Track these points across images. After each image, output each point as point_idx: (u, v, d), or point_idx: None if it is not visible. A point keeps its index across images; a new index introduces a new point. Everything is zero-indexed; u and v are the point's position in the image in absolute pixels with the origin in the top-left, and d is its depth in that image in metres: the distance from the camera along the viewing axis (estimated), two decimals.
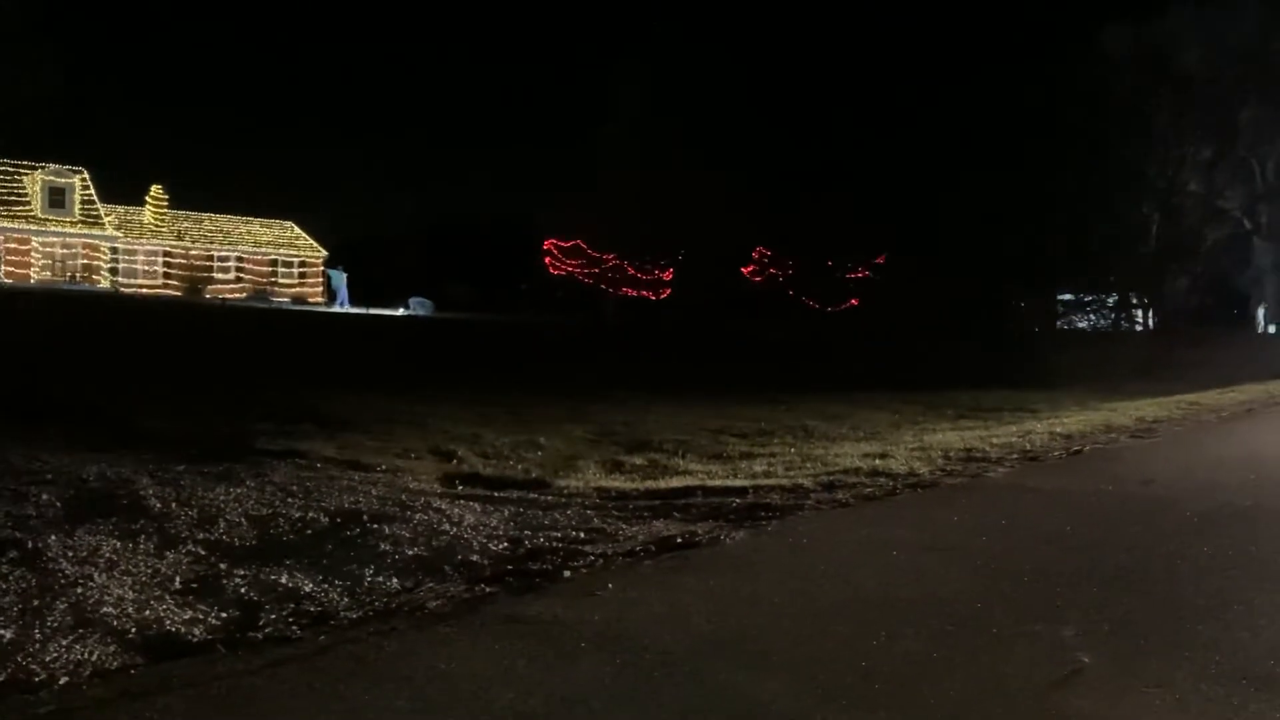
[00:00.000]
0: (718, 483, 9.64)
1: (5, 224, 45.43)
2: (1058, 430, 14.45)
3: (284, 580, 5.79)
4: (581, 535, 7.14)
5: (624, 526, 7.47)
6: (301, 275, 54.08)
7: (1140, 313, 55.95)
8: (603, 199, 52.55)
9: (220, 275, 51.61)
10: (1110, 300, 57.63)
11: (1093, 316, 59.42)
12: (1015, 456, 11.77)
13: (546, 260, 59.17)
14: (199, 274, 50.84)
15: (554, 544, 6.85)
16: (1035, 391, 23.55)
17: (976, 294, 48.60)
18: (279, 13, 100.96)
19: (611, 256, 58.65)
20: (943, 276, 47.81)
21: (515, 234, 61.65)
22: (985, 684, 4.28)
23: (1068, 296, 58.99)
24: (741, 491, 9.01)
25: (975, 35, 57.49)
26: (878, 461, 10.84)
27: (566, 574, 6.06)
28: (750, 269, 60.04)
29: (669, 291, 59.07)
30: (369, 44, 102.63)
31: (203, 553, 6.31)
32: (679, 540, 6.96)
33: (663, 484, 9.64)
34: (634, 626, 4.96)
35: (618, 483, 9.72)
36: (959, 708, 4.04)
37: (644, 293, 59.97)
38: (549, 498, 8.72)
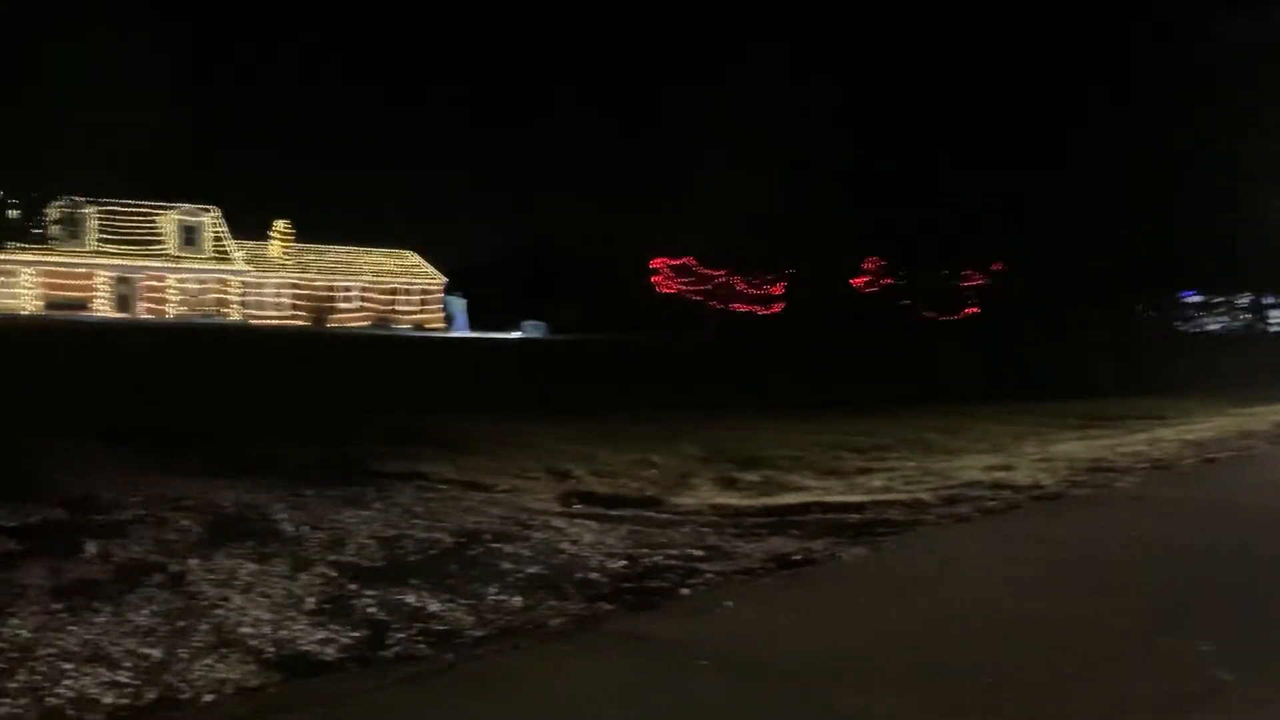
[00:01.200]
0: (834, 498, 9.56)
1: (144, 262, 47.84)
2: (1189, 438, 13.91)
3: (411, 600, 5.96)
4: (698, 553, 7.17)
5: (740, 544, 7.47)
6: (422, 302, 55.52)
7: (1276, 313, 53.35)
8: (711, 215, 52.57)
9: (344, 304, 53.34)
10: (1242, 301, 55.07)
11: (1225, 318, 56.89)
12: (1144, 466, 11.37)
13: (656, 279, 59.46)
14: (324, 304, 52.62)
15: (670, 562, 6.89)
16: (1164, 398, 22.69)
17: (1101, 298, 46.98)
18: (385, 49, 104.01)
19: (721, 272, 58.63)
20: (1064, 280, 46.37)
21: (627, 254, 62.17)
22: (1117, 702, 4.17)
23: (1196, 298, 56.61)
24: (859, 507, 8.92)
25: (1098, 25, 55.60)
26: (1000, 474, 10.60)
27: (684, 592, 6.10)
28: (862, 280, 59.31)
29: (780, 306, 58.72)
30: (476, 72, 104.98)
31: (333, 574, 6.53)
32: (796, 557, 6.93)
33: (778, 500, 9.59)
34: (752, 644, 4.97)
35: (732, 500, 9.72)
36: None
37: (754, 308, 59.77)
38: (664, 515, 8.77)
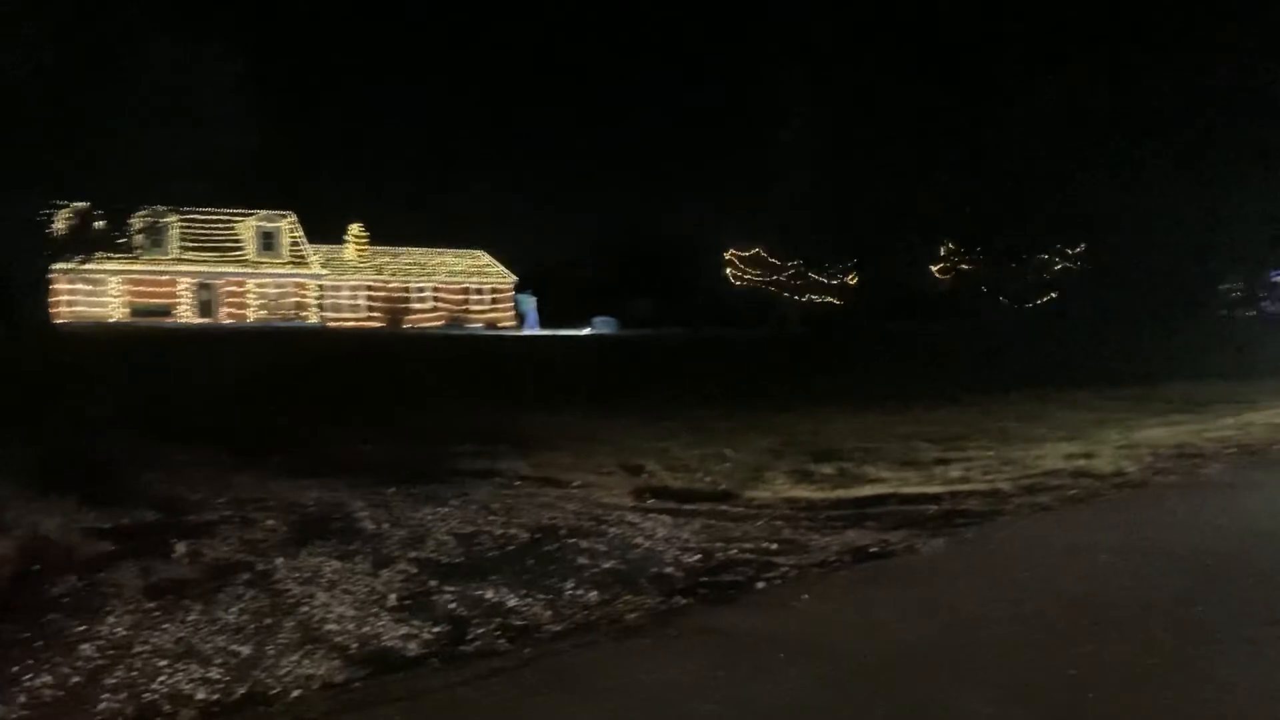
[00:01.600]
0: (911, 490, 9.46)
1: (224, 269, 49.09)
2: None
3: (489, 595, 6.05)
4: (773, 546, 7.15)
5: (816, 537, 7.44)
6: (493, 301, 56.15)
7: None
8: (781, 206, 52.21)
9: (418, 305, 54.18)
10: None
11: None
12: (1232, 451, 11.06)
13: (728, 271, 59.26)
14: (398, 305, 53.50)
15: (746, 556, 6.89)
16: (1255, 382, 22.00)
17: (1185, 278, 45.53)
18: (451, 50, 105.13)
19: (794, 263, 58.23)
20: (1147, 261, 45.04)
21: (694, 247, 62.07)
22: (1209, 694, 4.07)
23: None
24: (936, 498, 8.82)
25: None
26: (1082, 462, 10.40)
27: (760, 585, 6.10)
28: (939, 267, 58.44)
29: (854, 296, 58.13)
30: (541, 69, 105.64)
31: (414, 571, 6.65)
32: (873, 550, 6.88)
33: (853, 493, 9.52)
34: (830, 638, 4.96)
35: (807, 492, 9.67)
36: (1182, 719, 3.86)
37: (828, 298, 59.25)
38: (738, 509, 8.76)
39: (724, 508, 8.88)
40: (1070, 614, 5.22)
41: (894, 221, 50.26)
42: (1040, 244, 54.82)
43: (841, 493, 9.61)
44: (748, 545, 7.21)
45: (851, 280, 58.44)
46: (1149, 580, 5.81)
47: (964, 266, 57.49)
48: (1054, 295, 55.42)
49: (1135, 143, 44.01)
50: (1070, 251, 55.23)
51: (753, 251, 58.37)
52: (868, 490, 9.63)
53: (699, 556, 6.93)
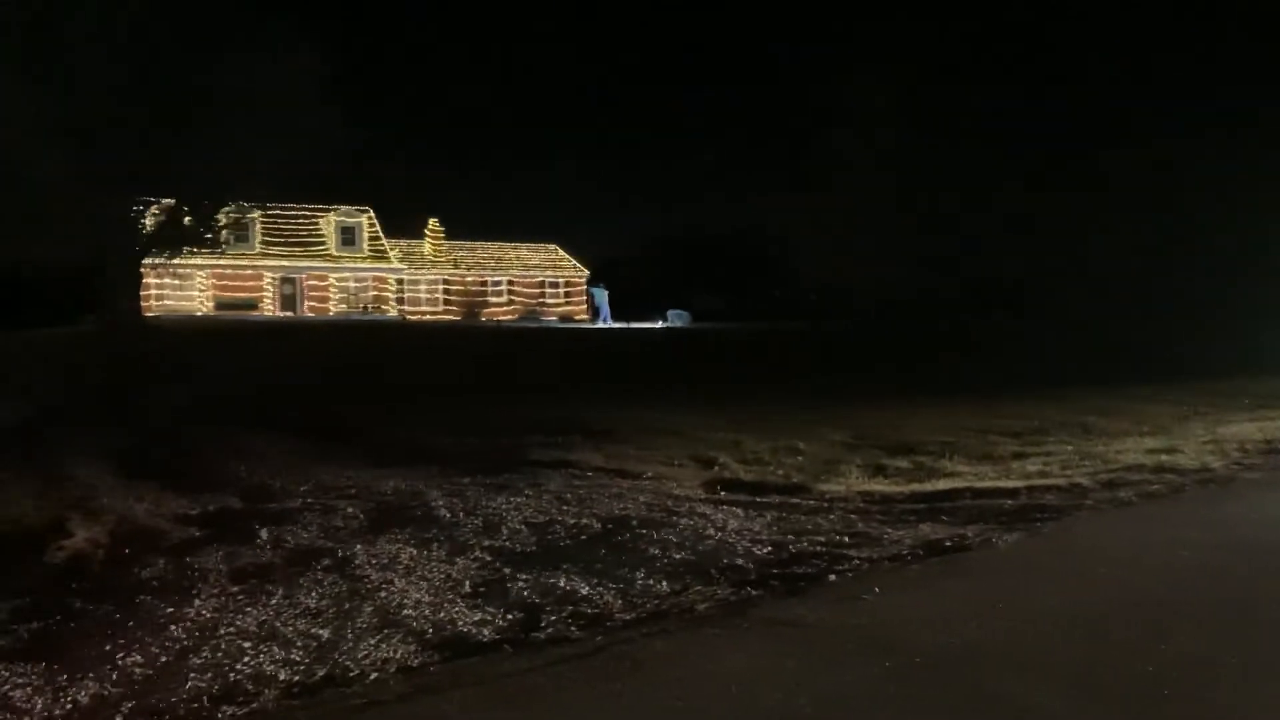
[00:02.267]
0: (988, 484, 9.34)
1: (306, 263, 50.11)
2: None
3: (562, 583, 6.12)
4: (845, 539, 7.13)
5: (889, 530, 7.39)
6: (567, 295, 56.51)
7: None
8: (857, 198, 51.60)
9: (494, 298, 54.75)
10: None
11: None
12: None
13: (802, 264, 58.75)
14: (475, 298, 54.10)
15: (817, 548, 6.87)
16: None
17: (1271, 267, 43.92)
18: (527, 47, 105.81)
19: (868, 256, 57.49)
20: (1230, 252, 43.58)
21: (768, 240, 61.69)
22: None
23: None
24: (1014, 493, 8.70)
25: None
26: (1164, 457, 10.16)
27: (831, 578, 6.08)
28: (1016, 258, 57.18)
29: (930, 288, 57.22)
30: (610, 64, 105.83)
31: (488, 558, 6.76)
32: (947, 543, 6.82)
33: (928, 486, 9.43)
34: (900, 630, 4.93)
35: (881, 486, 9.60)
36: (1260, 717, 3.77)
37: (903, 291, 58.37)
38: (811, 502, 8.73)
39: (796, 500, 8.86)
40: (1149, 610, 5.13)
41: (966, 212, 49.35)
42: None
43: (916, 487, 9.52)
44: (820, 538, 7.19)
45: (928, 273, 57.56)
46: (1231, 578, 5.68)
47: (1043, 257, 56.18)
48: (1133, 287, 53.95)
49: (1230, 132, 42.68)
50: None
51: (826, 243, 57.79)
52: (943, 484, 9.53)
53: (770, 549, 6.93)
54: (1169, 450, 10.58)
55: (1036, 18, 47.97)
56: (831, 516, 8.00)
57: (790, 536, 7.25)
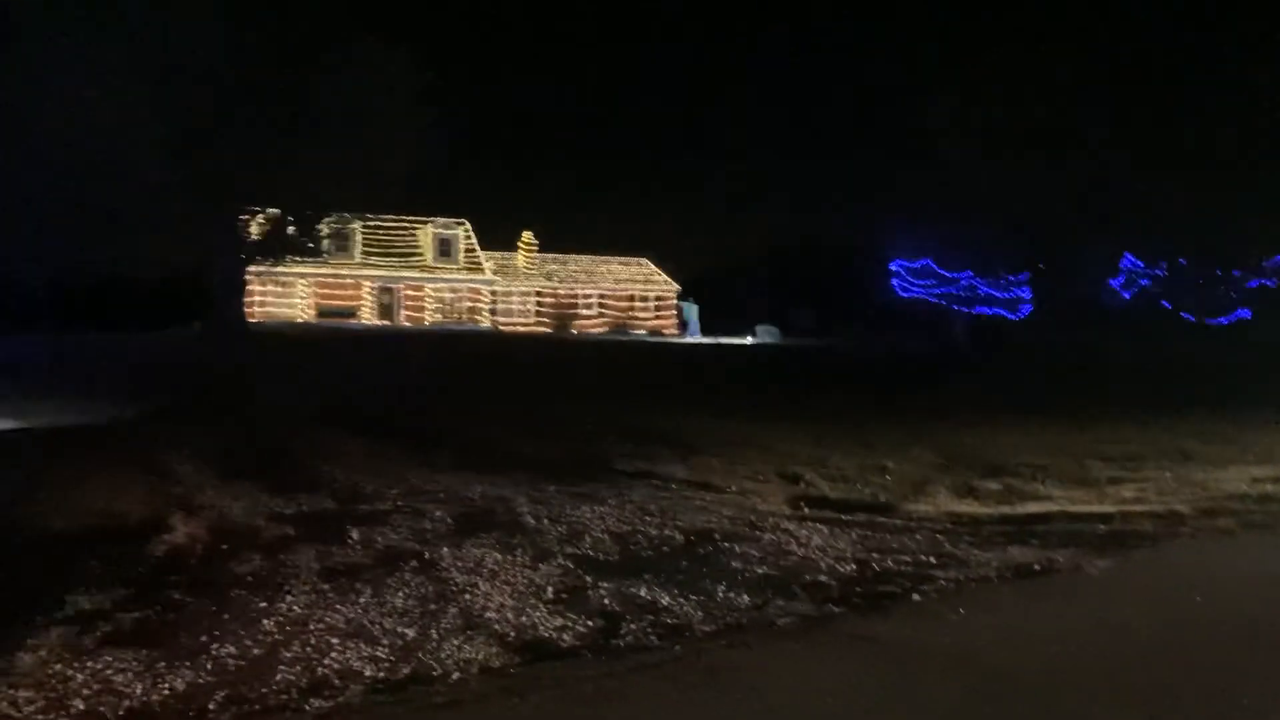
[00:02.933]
0: (1080, 508, 9.12)
1: (404, 273, 51.17)
2: None
3: (643, 593, 6.16)
4: (931, 560, 7.03)
5: (976, 552, 7.27)
6: (657, 309, 56.69)
7: None
8: (953, 216, 50.78)
9: (584, 311, 55.20)
10: None
11: None
12: None
13: (894, 282, 58.03)
14: (566, 311, 54.63)
15: (902, 567, 6.80)
16: None
17: None
18: (616, 63, 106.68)
19: (964, 274, 56.58)
20: None
21: (860, 257, 61.03)
22: None
23: None
24: (1107, 518, 8.48)
25: None
26: (1269, 486, 9.80)
27: (915, 597, 6.01)
28: (1119, 281, 55.70)
29: (1027, 309, 56.02)
30: (706, 81, 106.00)
31: (570, 565, 6.83)
32: (1035, 567, 6.68)
33: (1019, 509, 9.24)
34: (984, 652, 4.85)
35: (970, 507, 9.43)
36: None
37: (999, 311, 57.28)
38: (897, 522, 8.63)
39: (883, 519, 8.76)
40: (1242, 643, 4.96)
41: (1074, 232, 48.17)
42: (1236, 258, 51.54)
43: (1006, 509, 9.34)
44: (905, 557, 7.11)
45: (1025, 294, 56.36)
46: None
47: (1144, 283, 54.61)
48: (1246, 313, 52.03)
49: None
50: (1269, 266, 51.74)
51: (921, 262, 57.00)
52: (1034, 507, 9.33)
53: (854, 566, 6.88)
54: (1276, 479, 10.19)
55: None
56: (918, 536, 7.89)
57: (875, 555, 7.18)
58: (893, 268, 57.71)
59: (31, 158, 31.33)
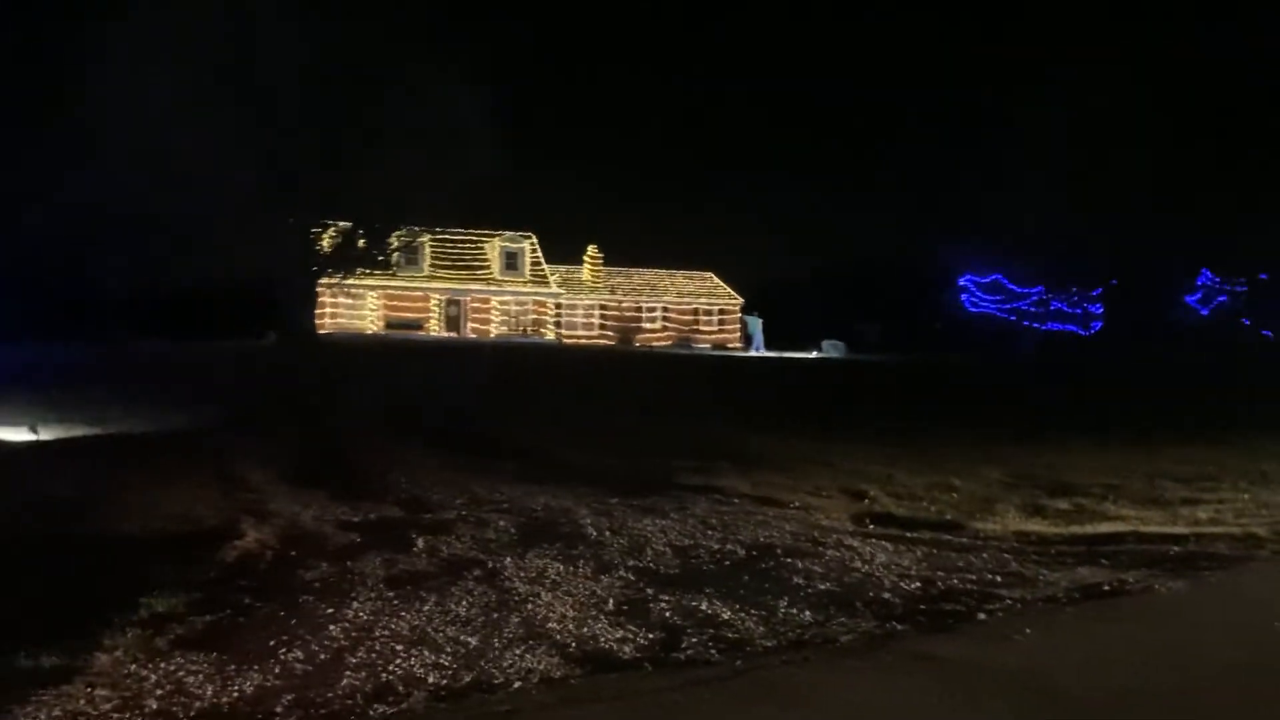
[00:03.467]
0: (1153, 529, 8.91)
1: (471, 286, 51.75)
2: None
3: (704, 607, 6.15)
4: (998, 579, 6.92)
5: (1044, 571, 7.15)
6: (720, 322, 56.65)
7: None
8: (1026, 232, 50.06)
9: (648, 324, 55.36)
10: None
11: None
12: None
13: (963, 297, 57.36)
14: (629, 324, 54.83)
15: (968, 586, 6.71)
16: None
17: None
18: (680, 78, 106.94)
19: (1035, 290, 55.73)
20: None
21: (927, 272, 60.40)
22: None
23: None
24: (1181, 539, 8.28)
25: None
26: None
27: (980, 616, 5.93)
28: (1196, 297, 54.43)
29: (1100, 325, 54.96)
30: (769, 93, 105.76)
31: (632, 578, 6.85)
32: (1105, 588, 6.55)
33: (1089, 529, 9.06)
34: (1050, 673, 4.76)
35: (1038, 527, 9.27)
36: None
37: (1072, 327, 56.30)
38: (963, 540, 8.51)
39: (948, 537, 8.65)
40: None
41: (1145, 249, 47.20)
42: None
43: (1076, 528, 9.16)
44: (971, 576, 7.01)
45: (1097, 309, 55.31)
46: None
47: (1223, 297, 53.27)
48: None
49: None
50: None
51: (991, 278, 56.27)
52: (1105, 527, 9.14)
53: (919, 584, 6.80)
54: None
55: None
56: (984, 555, 7.78)
57: (940, 573, 7.10)
58: (962, 282, 57.09)
59: (114, 172, 32.30)
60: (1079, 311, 56.19)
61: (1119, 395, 26.79)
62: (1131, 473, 12.75)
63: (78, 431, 14.40)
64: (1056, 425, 19.09)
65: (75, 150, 33.03)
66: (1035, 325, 56.96)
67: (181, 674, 5.00)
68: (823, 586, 6.67)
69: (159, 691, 4.81)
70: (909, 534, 8.74)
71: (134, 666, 5.09)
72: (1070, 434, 17.41)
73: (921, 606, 6.21)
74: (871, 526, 9.16)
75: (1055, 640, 5.33)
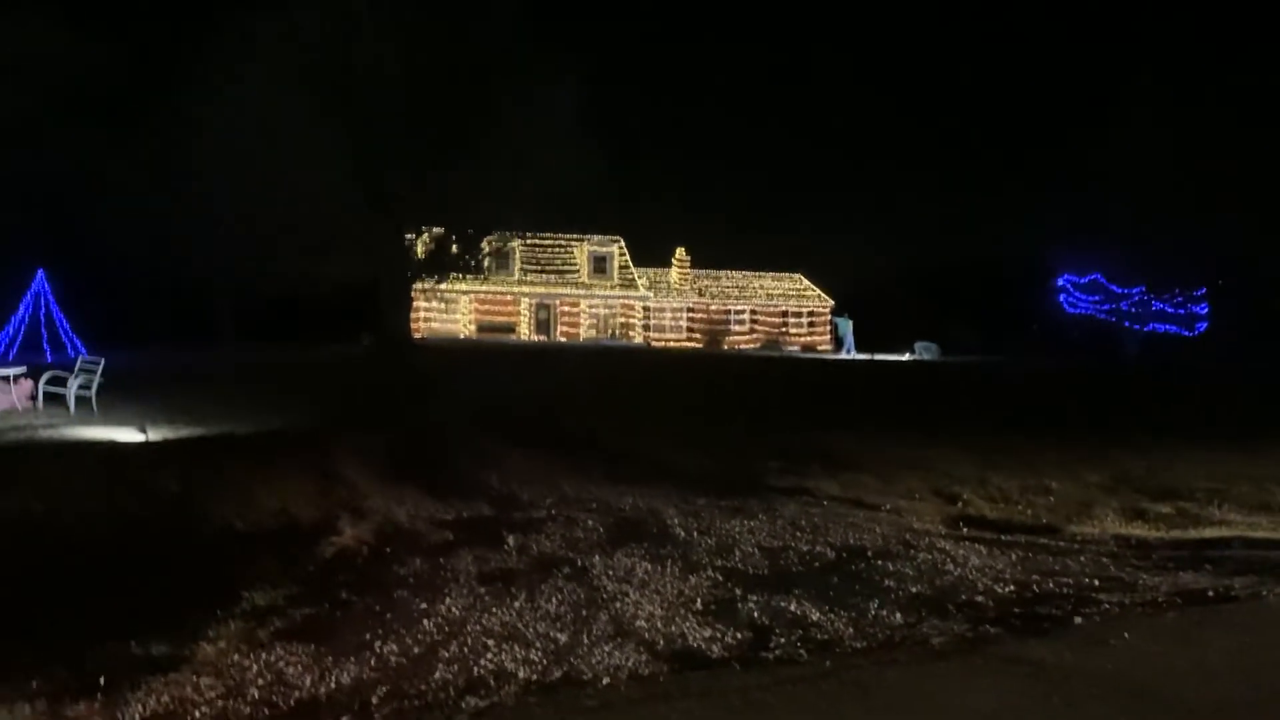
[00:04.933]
0: (1261, 534, 8.62)
1: (561, 290, 52.23)
2: None
3: (792, 607, 6.13)
4: (1095, 582, 6.76)
5: (1144, 576, 6.95)
6: (810, 324, 56.19)
7: None
8: (1126, 230, 48.60)
9: (736, 327, 55.15)
10: None
11: None
12: None
13: (1061, 298, 55.93)
14: (717, 327, 54.70)
15: (1064, 590, 6.56)
16: None
17: None
18: (769, 82, 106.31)
19: (1136, 290, 54.09)
20: None
21: (1024, 272, 59.02)
22: None
23: None
24: None
25: None
26: None
27: (1077, 620, 5.79)
28: None
29: (1203, 326, 53.11)
30: (862, 93, 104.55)
31: (720, 578, 6.85)
32: (1209, 593, 6.35)
33: (1192, 534, 8.79)
34: (1150, 679, 4.64)
35: (1138, 530, 9.03)
36: None
37: (1173, 328, 54.50)
38: (1060, 543, 8.33)
39: (1044, 541, 8.47)
40: None
41: (1256, 246, 45.44)
42: None
43: (1178, 533, 8.90)
44: (1067, 579, 6.86)
45: (1202, 310, 53.44)
46: None
47: None
48: None
49: None
50: None
51: (1089, 278, 54.76)
52: (1209, 532, 8.86)
53: (1013, 587, 6.68)
54: None
55: None
56: (1081, 559, 7.60)
57: (1035, 576, 6.96)
58: (1059, 283, 55.70)
59: (220, 180, 33.42)
60: (1182, 312, 54.36)
61: (1224, 397, 25.87)
62: (1238, 476, 12.30)
63: (184, 432, 14.90)
64: (1158, 427, 18.52)
65: (182, 160, 34.26)
66: (1136, 326, 55.26)
67: (282, 664, 5.16)
68: (914, 589, 6.59)
69: (260, 681, 4.98)
70: (1003, 537, 8.58)
71: (237, 657, 5.27)
72: (1173, 436, 16.87)
73: (1015, 610, 6.10)
74: (964, 529, 9.01)
75: (1156, 646, 5.18)
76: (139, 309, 43.11)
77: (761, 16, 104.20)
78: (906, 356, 45.21)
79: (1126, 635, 5.39)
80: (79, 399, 16.85)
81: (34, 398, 17.09)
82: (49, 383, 17.08)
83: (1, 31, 33.05)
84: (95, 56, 33.97)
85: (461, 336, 49.14)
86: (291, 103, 31.87)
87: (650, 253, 56.29)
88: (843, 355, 47.07)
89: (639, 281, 54.27)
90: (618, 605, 6.16)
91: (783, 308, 56.72)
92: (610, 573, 6.90)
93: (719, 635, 5.63)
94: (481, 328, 50.45)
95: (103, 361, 18.17)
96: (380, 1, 32.98)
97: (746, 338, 54.68)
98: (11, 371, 17.36)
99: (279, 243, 34.28)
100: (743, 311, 56.36)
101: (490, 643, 5.49)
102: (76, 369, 17.70)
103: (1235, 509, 10.20)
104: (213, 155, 33.43)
